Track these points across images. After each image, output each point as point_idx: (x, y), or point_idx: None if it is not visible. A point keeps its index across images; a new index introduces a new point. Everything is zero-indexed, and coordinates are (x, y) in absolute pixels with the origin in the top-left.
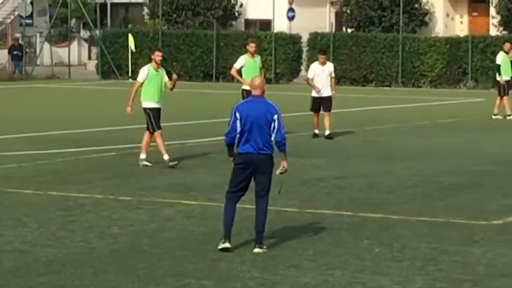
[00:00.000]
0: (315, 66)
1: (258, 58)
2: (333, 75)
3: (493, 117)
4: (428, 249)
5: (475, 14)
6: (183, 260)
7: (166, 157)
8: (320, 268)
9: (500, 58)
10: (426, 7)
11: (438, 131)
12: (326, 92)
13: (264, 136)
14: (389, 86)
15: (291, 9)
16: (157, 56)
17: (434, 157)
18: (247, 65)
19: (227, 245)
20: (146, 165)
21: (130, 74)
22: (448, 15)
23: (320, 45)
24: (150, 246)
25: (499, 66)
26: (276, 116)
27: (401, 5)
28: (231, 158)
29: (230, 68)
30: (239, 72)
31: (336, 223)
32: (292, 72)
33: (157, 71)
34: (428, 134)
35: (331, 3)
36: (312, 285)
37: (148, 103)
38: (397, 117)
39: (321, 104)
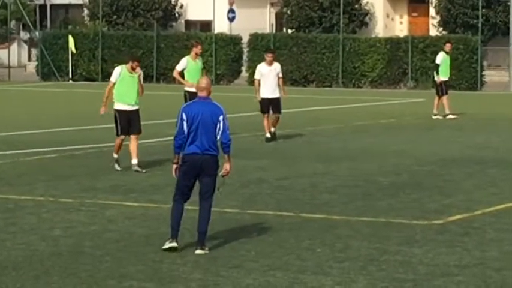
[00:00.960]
0: (262, 66)
1: (199, 60)
2: (281, 75)
3: (433, 117)
4: (369, 249)
5: (414, 14)
6: (125, 261)
7: (134, 161)
8: (262, 269)
9: (440, 58)
10: (366, 8)
11: (379, 131)
12: (275, 93)
13: (209, 137)
14: (330, 86)
15: (231, 10)
16: (135, 65)
17: (375, 157)
18: (190, 67)
19: (174, 244)
20: (116, 169)
21: (70, 76)
22: (388, 16)
23: (260, 46)
24: (92, 248)
25: (437, 66)
26: (221, 117)
27: (341, 5)
28: (174, 166)
29: (171, 70)
30: (181, 74)
31: (277, 224)
32: (233, 73)
33: (131, 73)
34: (369, 134)
35: (272, 4)
36: (254, 286)
37: (119, 104)
38: (338, 117)
39: (269, 105)
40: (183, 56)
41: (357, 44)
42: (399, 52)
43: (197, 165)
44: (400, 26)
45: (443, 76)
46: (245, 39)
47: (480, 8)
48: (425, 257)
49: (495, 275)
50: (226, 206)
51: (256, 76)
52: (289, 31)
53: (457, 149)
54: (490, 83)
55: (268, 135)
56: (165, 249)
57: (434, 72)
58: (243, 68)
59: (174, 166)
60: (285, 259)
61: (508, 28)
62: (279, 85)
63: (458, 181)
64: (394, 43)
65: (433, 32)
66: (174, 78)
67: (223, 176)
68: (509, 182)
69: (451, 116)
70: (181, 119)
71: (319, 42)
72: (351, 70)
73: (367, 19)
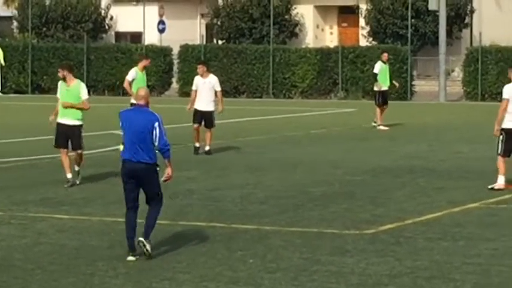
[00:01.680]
0: (197, 78)
1: (144, 72)
2: (218, 88)
3: (374, 125)
4: (301, 260)
5: (344, 24)
6: (57, 274)
7: (69, 176)
8: (194, 280)
9: (378, 68)
10: (296, 18)
11: (310, 141)
12: (208, 106)
13: (145, 145)
14: (261, 97)
15: (161, 22)
16: (59, 72)
17: (306, 167)
18: (138, 78)
19: (132, 258)
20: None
21: (0, 88)
22: (318, 26)
23: (191, 58)
24: (23, 261)
25: (375, 75)
26: (156, 124)
27: (271, 16)
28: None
29: (101, 81)
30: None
31: (209, 235)
32: (164, 84)
33: (68, 87)
34: (300, 145)
35: (202, 15)
36: None
37: (59, 118)
38: (269, 128)
39: (202, 118)
40: (114, 68)
41: (287, 55)
42: (329, 62)
43: (133, 173)
44: (330, 37)
45: (383, 85)
46: (175, 50)
47: (409, 18)
48: (356, 266)
49: (426, 284)
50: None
51: (193, 87)
52: (220, 42)
53: (388, 158)
54: (420, 92)
55: (197, 144)
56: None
57: (375, 82)
58: (174, 80)
59: None
60: (217, 270)
61: (437, 38)
62: (215, 99)
63: (389, 191)
64: (324, 53)
65: (363, 42)
66: (124, 88)
67: (165, 181)
68: (438, 191)
69: (381, 128)
70: (120, 124)
71: (250, 53)
72: (282, 81)
73: (297, 30)
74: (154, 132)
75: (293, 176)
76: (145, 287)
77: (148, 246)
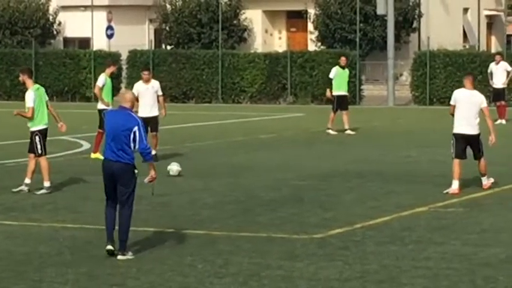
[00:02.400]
0: (139, 85)
1: (110, 79)
2: (160, 93)
3: (328, 131)
4: (250, 265)
5: (293, 29)
6: (5, 281)
7: (26, 181)
8: (143, 286)
9: (334, 72)
10: (245, 23)
11: (259, 146)
12: (152, 112)
13: (123, 146)
14: (210, 102)
15: (109, 27)
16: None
17: (255, 172)
18: (107, 84)
19: (110, 247)
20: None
21: None
22: (266, 31)
23: (140, 63)
24: None
25: (331, 80)
26: (135, 128)
27: (220, 21)
28: None
29: (49, 87)
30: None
31: (158, 240)
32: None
33: (38, 89)
34: (249, 150)
35: (150, 21)
36: None
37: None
38: (218, 133)
39: (147, 124)
40: (62, 73)
41: (236, 60)
42: (278, 67)
43: (110, 171)
44: (278, 41)
45: (337, 90)
46: (124, 56)
47: (358, 23)
48: (306, 271)
49: None
50: None
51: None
52: (168, 47)
53: (338, 163)
54: (369, 97)
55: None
56: (106, 252)
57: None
58: (122, 85)
59: None
60: (166, 276)
61: (386, 42)
62: (158, 103)
63: (338, 195)
64: (273, 58)
65: (312, 47)
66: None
67: (149, 182)
68: (387, 195)
69: (349, 132)
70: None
71: (199, 58)
72: (231, 86)
73: (245, 35)
74: (134, 136)
75: (242, 181)
76: None
77: (129, 256)
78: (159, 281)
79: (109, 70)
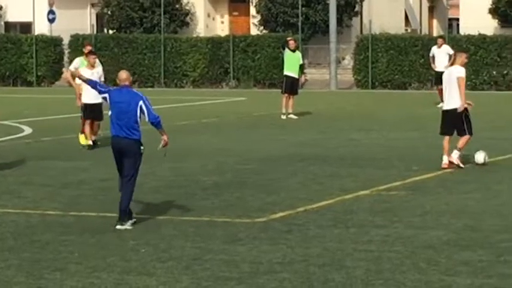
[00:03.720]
0: (83, 70)
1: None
2: (103, 79)
3: (282, 116)
4: (193, 249)
5: (235, 13)
6: None
7: None
8: (86, 271)
9: (285, 55)
10: (187, 7)
11: (201, 130)
12: (98, 98)
13: (130, 122)
14: (152, 86)
15: (51, 12)
16: None
17: (198, 156)
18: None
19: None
20: None
21: None
22: (209, 15)
23: (81, 47)
24: None
25: (282, 63)
26: (141, 102)
27: (162, 6)
28: None
29: None
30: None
31: (101, 225)
32: (54, 74)
33: None
34: (192, 134)
35: (92, 5)
36: None
37: None
38: (160, 117)
39: (93, 111)
40: (3, 58)
41: (179, 44)
42: (220, 52)
43: (118, 147)
44: (221, 26)
45: (289, 72)
46: (66, 40)
47: (300, 6)
48: (249, 254)
49: (318, 271)
50: (49, 208)
51: (78, 80)
52: (111, 32)
53: (281, 147)
54: (311, 81)
55: (90, 142)
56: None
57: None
58: (64, 70)
59: None
60: (109, 260)
61: (328, 26)
62: None
63: (281, 179)
64: (215, 43)
65: (254, 31)
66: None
67: (163, 147)
68: (330, 179)
69: (292, 116)
70: (106, 97)
71: (141, 43)
72: (173, 70)
73: (188, 19)
74: (141, 110)
75: (184, 165)
76: (36, 278)
77: (127, 226)
78: (101, 266)
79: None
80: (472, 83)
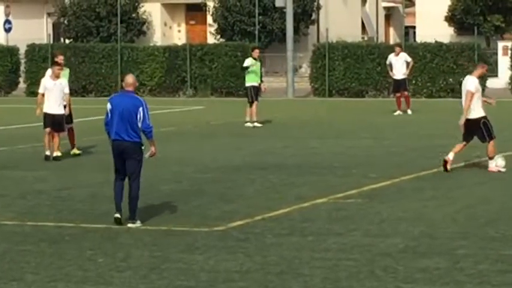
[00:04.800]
0: (46, 80)
1: (66, 70)
2: (67, 91)
3: (250, 125)
4: (151, 258)
5: (192, 22)
6: None
7: None
8: (43, 281)
9: (248, 63)
10: (144, 16)
11: (159, 139)
12: (59, 109)
13: (131, 125)
14: (109, 96)
15: (7, 21)
16: None
17: (156, 165)
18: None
19: (118, 215)
20: None
21: None
22: (165, 24)
23: (38, 57)
24: None
25: (245, 68)
26: (141, 108)
27: (118, 15)
28: None
29: None
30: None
31: (58, 235)
32: (11, 84)
33: None
34: None
35: (49, 14)
36: None
37: None
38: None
39: (53, 121)
40: None
41: (135, 53)
42: (178, 60)
43: (120, 150)
44: (178, 34)
45: (251, 82)
46: (22, 50)
47: (257, 15)
48: (206, 263)
49: (276, 279)
50: (5, 218)
51: (40, 90)
52: (67, 41)
53: (239, 155)
54: (269, 89)
55: (48, 153)
56: (114, 221)
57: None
58: (21, 79)
59: None
60: (66, 270)
61: (285, 35)
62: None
63: (239, 187)
64: (172, 51)
65: (211, 39)
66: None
67: (150, 156)
68: (288, 187)
69: (257, 124)
70: (107, 109)
71: (98, 52)
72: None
73: (145, 28)
74: (138, 115)
75: (143, 174)
76: None
77: (137, 224)
78: (58, 275)
79: (59, 62)
80: (429, 90)
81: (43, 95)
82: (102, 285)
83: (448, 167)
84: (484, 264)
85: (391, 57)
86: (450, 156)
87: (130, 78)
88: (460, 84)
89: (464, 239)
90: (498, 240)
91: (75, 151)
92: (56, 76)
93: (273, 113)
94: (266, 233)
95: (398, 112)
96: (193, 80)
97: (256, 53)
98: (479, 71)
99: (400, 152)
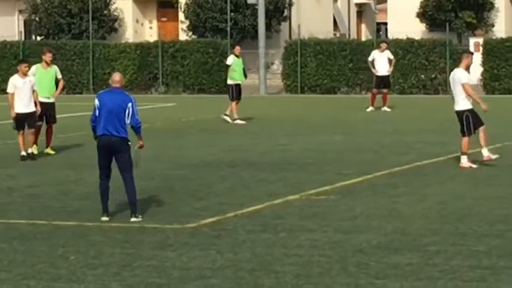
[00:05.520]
0: (15, 79)
1: (52, 68)
2: (36, 88)
3: (238, 122)
4: (123, 255)
5: (164, 19)
6: None
7: None
8: (15, 278)
9: (231, 61)
10: (115, 13)
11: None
12: (30, 107)
13: (119, 121)
14: (81, 93)
15: None
16: None
17: None
18: (40, 75)
19: (106, 218)
20: None
21: None
22: (137, 21)
23: (10, 54)
24: None
25: (228, 66)
26: (130, 104)
27: (90, 12)
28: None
29: None
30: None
31: (30, 232)
32: None
33: None
34: None
35: (20, 11)
36: None
37: None
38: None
39: (25, 121)
40: None
41: (107, 50)
42: (149, 57)
43: (108, 146)
44: (150, 31)
45: (235, 80)
46: None
47: (228, 12)
48: (178, 260)
49: (248, 276)
50: None
51: (10, 90)
52: (39, 38)
53: (210, 152)
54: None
55: (23, 153)
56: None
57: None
58: None
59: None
60: (38, 267)
61: (257, 31)
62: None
63: (211, 184)
64: (144, 48)
65: (183, 36)
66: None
67: (139, 148)
68: (260, 184)
69: (239, 122)
70: (95, 105)
71: (69, 49)
72: (102, 76)
73: (116, 25)
74: (127, 111)
75: (114, 171)
76: None
77: (140, 218)
78: (30, 273)
79: (46, 59)
80: (401, 86)
81: (13, 94)
82: (74, 283)
83: (491, 156)
84: (456, 260)
85: (375, 54)
86: (484, 154)
87: (117, 76)
88: (432, 80)
89: (436, 235)
90: (470, 236)
91: (49, 151)
92: (24, 74)
93: (245, 110)
94: (238, 229)
95: (371, 108)
96: (165, 77)
97: (237, 50)
98: (465, 62)
99: (372, 148)
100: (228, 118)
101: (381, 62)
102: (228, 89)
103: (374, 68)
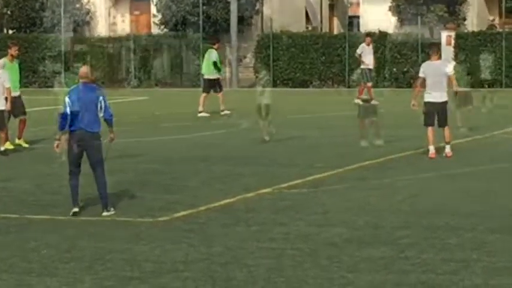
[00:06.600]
0: None
1: (16, 61)
2: (7, 85)
3: (199, 114)
4: (95, 249)
5: (137, 12)
6: None
7: None
8: None
9: (215, 57)
10: (87, 7)
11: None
12: (1, 104)
13: (91, 116)
14: (53, 86)
15: None
16: None
17: None
18: (7, 68)
19: (76, 209)
20: None
21: None
22: (110, 14)
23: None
24: None
25: (215, 63)
26: (101, 98)
27: (62, 5)
28: (56, 142)
29: None
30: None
31: (2, 226)
32: None
33: None
34: None
35: None
36: None
37: None
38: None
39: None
40: None
41: (79, 44)
42: (122, 51)
43: (81, 140)
44: (122, 25)
45: (213, 74)
46: None
47: (201, 5)
48: (151, 254)
49: (220, 269)
50: None
51: None
52: (10, 32)
53: (183, 146)
54: None
55: (2, 148)
56: (72, 214)
57: (214, 69)
58: None
59: (56, 142)
60: (10, 261)
61: (229, 25)
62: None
63: (183, 178)
64: (116, 42)
65: (156, 30)
66: None
67: (110, 141)
68: (232, 177)
69: (226, 112)
70: (66, 102)
71: (41, 43)
72: (74, 70)
73: (88, 18)
74: (99, 105)
75: (86, 166)
76: None
77: (111, 212)
78: (2, 267)
79: (12, 53)
80: (373, 80)
81: None
82: (46, 277)
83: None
84: (429, 253)
85: (364, 47)
86: (432, 149)
87: (84, 69)
88: (404, 74)
89: (409, 228)
90: (442, 229)
91: (22, 143)
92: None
93: (217, 104)
94: (211, 223)
95: (357, 100)
96: (137, 71)
97: (217, 45)
98: (436, 55)
99: (344, 142)
100: (227, 112)
101: (368, 55)
102: (211, 83)
103: (364, 61)
